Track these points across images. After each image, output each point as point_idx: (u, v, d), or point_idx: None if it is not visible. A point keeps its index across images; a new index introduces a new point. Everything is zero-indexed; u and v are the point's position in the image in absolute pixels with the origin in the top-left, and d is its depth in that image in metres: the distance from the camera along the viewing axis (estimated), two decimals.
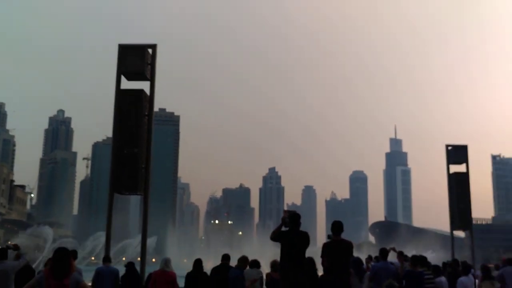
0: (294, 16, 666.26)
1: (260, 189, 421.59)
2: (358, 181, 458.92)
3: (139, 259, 14.60)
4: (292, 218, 9.33)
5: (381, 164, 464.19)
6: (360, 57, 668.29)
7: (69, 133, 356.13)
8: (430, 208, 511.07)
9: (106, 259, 13.12)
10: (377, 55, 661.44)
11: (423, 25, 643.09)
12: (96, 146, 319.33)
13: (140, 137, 13.92)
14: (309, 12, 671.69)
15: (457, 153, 23.08)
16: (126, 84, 14.86)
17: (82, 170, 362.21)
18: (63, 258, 6.92)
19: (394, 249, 13.07)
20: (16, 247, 10.01)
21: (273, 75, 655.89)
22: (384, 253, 12.35)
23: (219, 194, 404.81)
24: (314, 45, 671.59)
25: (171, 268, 12.04)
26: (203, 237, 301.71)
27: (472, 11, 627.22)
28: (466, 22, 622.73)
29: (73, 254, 10.25)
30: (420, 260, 12.61)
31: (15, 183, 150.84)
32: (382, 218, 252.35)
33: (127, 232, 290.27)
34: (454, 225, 22.93)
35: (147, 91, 14.75)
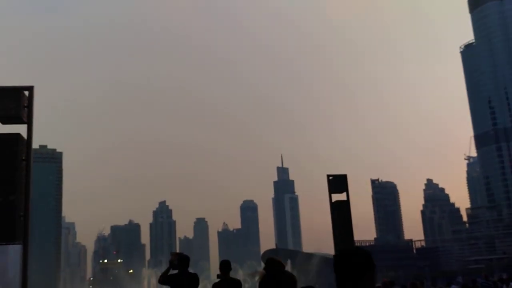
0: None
1: (151, 224, 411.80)
2: (248, 210, 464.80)
3: None
4: (182, 260, 9.37)
5: (270, 192, 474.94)
6: (247, 87, 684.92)
7: None
8: (318, 233, 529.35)
9: None
10: (262, 84, 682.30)
11: (304, 56, 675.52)
12: None
13: (17, 183, 13.17)
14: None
15: (337, 182, 24.25)
16: (1, 128, 14.11)
17: None
18: None
19: None
20: None
21: (160, 106, 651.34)
22: None
23: (107, 231, 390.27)
24: (202, 76, 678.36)
25: None
26: (91, 278, 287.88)
27: (350, 41, 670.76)
28: (336, 51, 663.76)
29: None
30: None
31: None
32: (273, 246, 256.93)
33: (6, 279, 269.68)
34: (338, 251, 24.04)
35: (24, 134, 14.08)
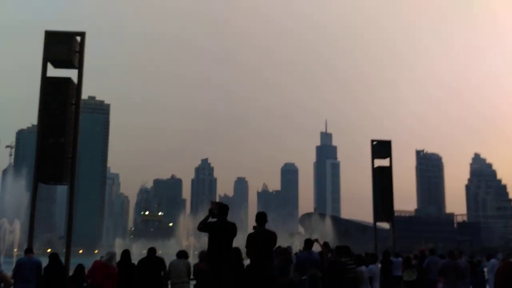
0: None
1: (192, 180, 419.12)
2: (289, 173, 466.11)
3: (64, 250, 14.33)
4: (221, 209, 9.50)
5: (312, 157, 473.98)
6: (294, 52, 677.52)
7: None
8: (358, 200, 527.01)
9: (28, 250, 12.77)
10: (309, 50, 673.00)
11: (353, 23, 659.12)
12: (20, 134, 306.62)
13: (67, 126, 13.64)
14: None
15: (381, 148, 24.05)
16: (52, 72, 14.49)
17: (4, 159, 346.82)
18: None
19: (317, 240, 13.48)
20: None
21: (205, 66, 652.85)
22: (308, 243, 12.74)
23: (150, 185, 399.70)
24: (249, 42, 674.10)
25: (114, 264, 12.03)
26: (132, 228, 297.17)
27: (402, 12, 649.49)
28: (396, 19, 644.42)
29: None
30: (343, 250, 13.10)
31: None
32: (312, 210, 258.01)
33: (53, 222, 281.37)
34: (377, 217, 23.89)
35: (75, 80, 14.45)
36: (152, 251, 12.94)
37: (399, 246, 26.18)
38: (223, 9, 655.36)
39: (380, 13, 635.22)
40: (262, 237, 9.45)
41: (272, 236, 9.50)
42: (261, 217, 9.65)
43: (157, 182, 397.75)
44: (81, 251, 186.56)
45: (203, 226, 9.42)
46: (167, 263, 13.08)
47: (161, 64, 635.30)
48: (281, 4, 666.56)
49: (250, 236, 9.50)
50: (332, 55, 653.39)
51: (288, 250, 13.49)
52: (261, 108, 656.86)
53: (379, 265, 16.49)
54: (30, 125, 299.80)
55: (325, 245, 14.29)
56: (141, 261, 12.67)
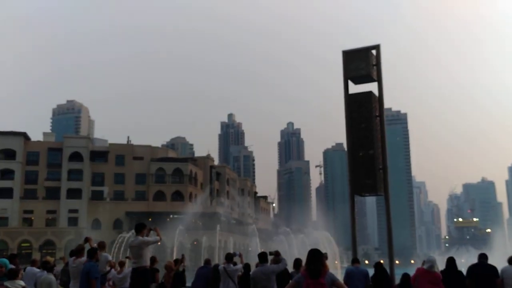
0: None
1: (507, 182, 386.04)
2: None
3: (381, 261, 14.63)
4: None
5: None
6: None
7: (299, 143, 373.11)
8: None
9: (355, 260, 13.46)
10: None
11: None
12: (326, 153, 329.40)
13: (374, 138, 14.03)
14: None
15: None
16: (352, 88, 15.15)
17: (315, 177, 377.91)
18: (318, 258, 7.18)
19: None
20: (277, 253, 11.32)
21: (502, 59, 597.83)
22: None
23: (459, 190, 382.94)
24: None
25: (437, 270, 11.89)
26: (446, 236, 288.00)
27: None
28: None
29: (325, 255, 10.86)
30: None
31: (258, 195, 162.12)
32: None
33: (366, 235, 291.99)
34: None
35: (375, 92, 14.81)
36: (483, 257, 12.30)
37: None
38: None
39: None
40: None
41: None
42: None
43: (466, 186, 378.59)
44: (397, 262, 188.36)
45: None
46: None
47: (457, 65, 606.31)
48: None
49: None
50: None
51: None
52: None
53: None
54: (334, 144, 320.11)
55: None
56: (471, 268, 12.15)
